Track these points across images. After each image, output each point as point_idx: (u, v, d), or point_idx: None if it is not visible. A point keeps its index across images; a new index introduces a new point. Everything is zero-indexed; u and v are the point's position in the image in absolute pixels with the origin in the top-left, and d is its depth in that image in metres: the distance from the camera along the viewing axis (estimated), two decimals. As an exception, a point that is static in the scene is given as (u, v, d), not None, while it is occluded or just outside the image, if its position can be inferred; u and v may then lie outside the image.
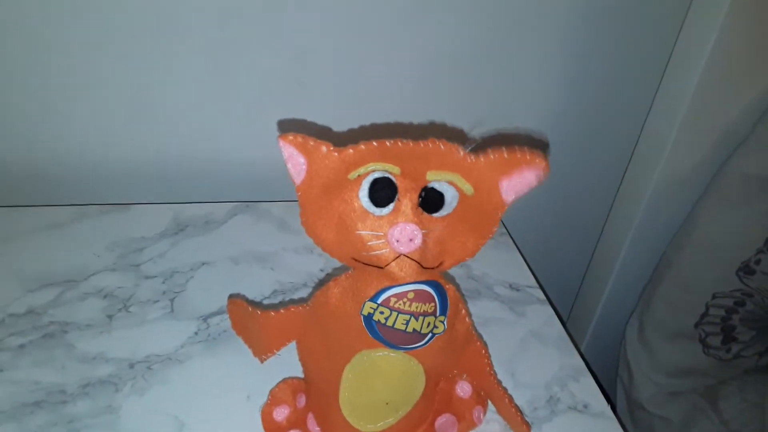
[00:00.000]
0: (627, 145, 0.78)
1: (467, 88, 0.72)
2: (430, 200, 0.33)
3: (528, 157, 0.32)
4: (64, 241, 0.62)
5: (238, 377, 0.49)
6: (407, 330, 0.35)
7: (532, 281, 0.63)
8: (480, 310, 0.59)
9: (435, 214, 0.34)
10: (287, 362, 0.45)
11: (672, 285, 0.74)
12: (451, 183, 0.33)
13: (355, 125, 0.70)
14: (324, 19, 0.63)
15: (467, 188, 0.33)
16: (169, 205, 0.69)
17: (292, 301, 0.58)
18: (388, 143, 0.32)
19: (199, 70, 0.64)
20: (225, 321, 0.54)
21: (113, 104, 0.65)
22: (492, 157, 0.32)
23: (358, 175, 0.33)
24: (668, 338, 0.76)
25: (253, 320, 0.45)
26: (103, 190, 0.71)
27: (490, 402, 0.47)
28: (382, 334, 0.36)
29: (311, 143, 0.32)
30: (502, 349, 0.54)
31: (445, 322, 0.37)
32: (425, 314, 0.35)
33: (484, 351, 0.44)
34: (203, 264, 0.61)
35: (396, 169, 0.33)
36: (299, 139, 0.32)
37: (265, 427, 0.44)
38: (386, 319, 0.35)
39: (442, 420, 0.45)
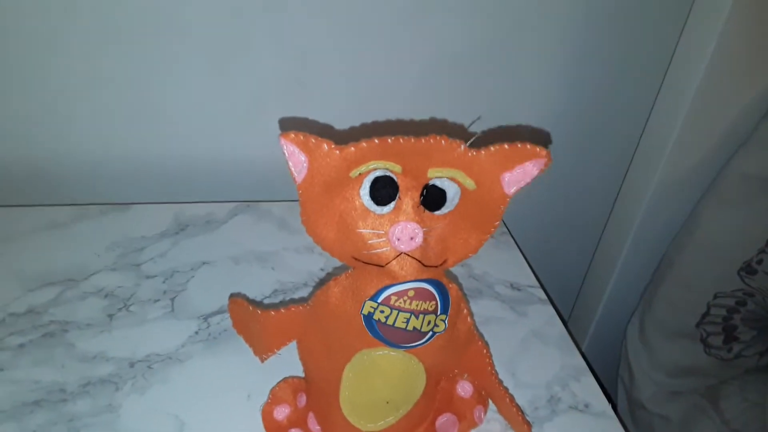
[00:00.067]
0: (628, 144, 0.78)
1: (468, 87, 0.71)
2: (432, 198, 0.33)
3: (530, 149, 0.32)
4: (64, 240, 0.62)
5: (239, 376, 0.49)
6: (407, 328, 0.35)
7: (533, 281, 0.63)
8: (481, 309, 0.59)
9: (437, 212, 0.34)
10: (288, 361, 0.45)
11: (673, 285, 0.74)
12: (452, 179, 0.33)
13: (357, 123, 0.70)
14: (325, 18, 0.63)
15: (469, 183, 0.33)
16: (169, 205, 0.69)
17: (293, 301, 0.58)
18: (389, 140, 0.32)
19: (200, 69, 0.64)
20: (225, 320, 0.54)
21: (114, 104, 0.65)
22: (493, 150, 0.32)
23: (360, 174, 0.33)
24: (669, 338, 0.76)
25: (253, 319, 0.45)
26: (104, 189, 0.71)
27: (491, 401, 0.47)
28: (382, 333, 0.36)
29: (312, 141, 0.32)
30: (503, 349, 0.54)
31: (446, 321, 0.37)
32: (426, 312, 0.35)
33: (485, 350, 0.44)
34: (204, 263, 0.61)
35: (397, 167, 0.33)
36: (300, 137, 0.32)
37: (265, 427, 0.44)
38: (386, 317, 0.35)
39: (442, 419, 0.45)
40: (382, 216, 0.33)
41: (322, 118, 0.69)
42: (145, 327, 0.53)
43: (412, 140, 0.32)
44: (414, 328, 0.35)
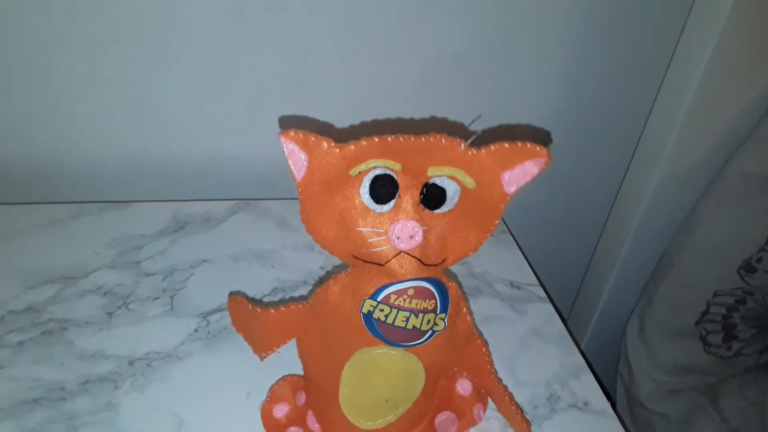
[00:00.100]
0: (628, 144, 0.78)
1: (468, 86, 0.71)
2: (432, 197, 0.33)
3: (530, 148, 0.32)
4: (63, 238, 0.62)
5: (238, 374, 0.49)
6: (407, 327, 0.35)
7: (533, 279, 0.63)
8: (480, 307, 0.59)
9: (437, 210, 0.34)
10: (287, 360, 0.45)
11: (673, 283, 0.74)
12: (452, 178, 0.33)
13: (357, 122, 0.70)
14: (325, 18, 0.63)
15: (469, 182, 0.33)
16: (169, 203, 0.69)
17: (292, 299, 0.58)
18: (389, 139, 0.32)
19: (200, 68, 0.64)
20: (225, 318, 0.54)
21: (113, 102, 0.65)
22: (493, 149, 0.32)
23: (359, 172, 0.33)
24: (669, 336, 0.76)
25: (253, 318, 0.45)
26: (103, 187, 0.71)
27: (490, 399, 0.47)
28: (381, 332, 0.36)
29: (312, 139, 0.32)
30: (502, 347, 0.54)
31: (445, 320, 0.37)
32: (425, 311, 0.35)
33: (484, 349, 0.44)
34: (203, 261, 0.61)
35: (397, 166, 0.33)
36: (300, 135, 0.32)
37: (264, 425, 0.44)
38: (386, 316, 0.35)
39: (442, 417, 0.45)
40: (381, 214, 0.33)
41: (322, 117, 0.69)
42: (144, 325, 0.53)
43: (412, 139, 0.32)
44: (413, 326, 0.35)
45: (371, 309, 0.35)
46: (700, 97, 0.65)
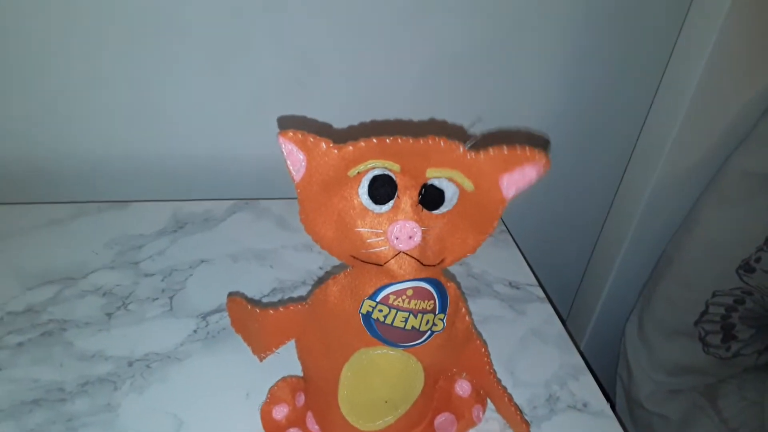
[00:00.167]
0: (627, 143, 0.78)
1: (467, 87, 0.71)
2: (430, 197, 0.33)
3: (528, 153, 0.32)
4: (63, 238, 0.62)
5: (238, 375, 0.49)
6: (406, 327, 0.35)
7: (532, 279, 0.63)
8: (479, 308, 0.59)
9: (435, 211, 0.34)
10: (286, 361, 0.45)
11: (672, 283, 0.74)
12: (451, 180, 0.33)
13: (356, 123, 0.70)
14: (325, 18, 0.63)
15: (467, 185, 0.33)
16: (168, 203, 0.69)
17: (291, 299, 0.58)
18: (387, 140, 0.32)
19: (199, 68, 0.64)
20: (224, 319, 0.54)
21: (112, 102, 0.65)
22: (492, 153, 0.32)
23: (358, 173, 0.33)
24: (668, 336, 0.76)
25: (252, 318, 0.45)
26: (102, 187, 0.71)
27: (489, 400, 0.47)
28: (380, 332, 0.36)
29: (311, 140, 0.32)
30: (501, 348, 0.54)
31: (444, 320, 0.37)
32: (424, 311, 0.35)
33: (483, 349, 0.44)
34: (202, 262, 0.61)
35: (396, 166, 0.33)
36: (299, 135, 0.32)
37: (264, 426, 0.44)
38: (385, 317, 0.35)
39: (441, 419, 0.45)
40: (380, 215, 0.33)
41: (321, 117, 0.69)
42: (143, 326, 0.53)
43: (411, 141, 0.32)
44: (412, 327, 0.35)
45: (370, 309, 0.35)
46: (699, 96, 0.65)
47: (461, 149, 0.32)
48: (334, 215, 0.34)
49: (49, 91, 0.63)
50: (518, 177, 0.33)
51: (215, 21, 0.61)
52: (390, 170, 0.33)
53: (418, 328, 0.36)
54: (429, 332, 0.37)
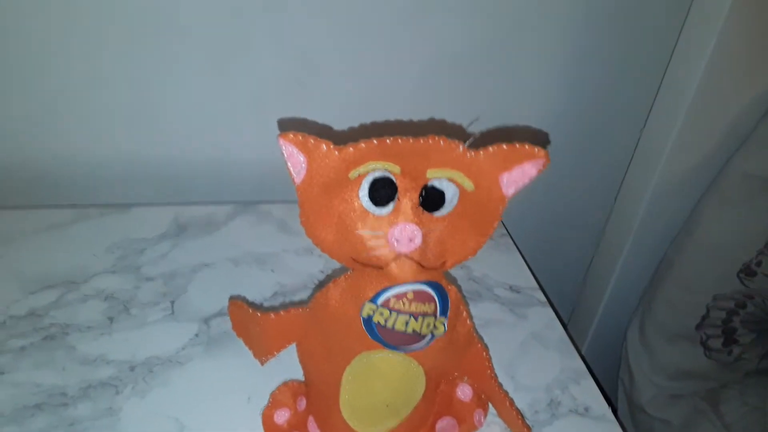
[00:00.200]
0: (628, 145, 0.78)
1: (468, 88, 0.72)
2: (431, 199, 0.33)
3: (528, 150, 0.32)
4: (64, 242, 0.62)
5: (239, 379, 0.49)
6: (407, 331, 0.35)
7: (533, 283, 0.63)
8: (480, 311, 0.59)
9: (436, 213, 0.34)
10: (288, 365, 0.45)
11: (673, 286, 0.74)
12: (451, 180, 0.33)
13: (356, 124, 0.70)
14: (325, 19, 0.63)
15: (468, 184, 0.33)
16: (169, 207, 0.69)
17: (293, 303, 0.58)
18: (388, 141, 0.32)
19: (199, 70, 0.64)
20: (225, 323, 0.54)
21: (114, 105, 0.65)
22: (492, 151, 0.32)
23: (358, 175, 0.33)
24: (669, 340, 0.76)
25: (253, 322, 0.45)
26: (104, 191, 0.71)
27: (490, 405, 0.47)
28: (381, 336, 0.36)
29: (311, 142, 0.32)
30: (502, 352, 0.54)
31: (445, 324, 0.37)
32: (425, 315, 0.35)
33: (484, 353, 0.44)
34: (204, 265, 0.61)
35: (396, 168, 0.33)
36: (299, 137, 0.32)
37: (265, 430, 0.44)
38: (386, 320, 0.35)
39: (442, 423, 0.45)
40: (380, 217, 0.33)
41: (321, 119, 0.69)
42: (145, 329, 0.53)
43: (411, 141, 0.32)
44: (413, 330, 0.35)
45: (371, 313, 0.35)
46: (699, 98, 0.65)
47: (461, 148, 0.32)
48: (335, 218, 0.34)
49: (50, 95, 0.64)
50: (518, 174, 0.33)
51: (215, 23, 0.61)
52: (390, 172, 0.33)
53: (419, 331, 0.36)
54: (430, 336, 0.37)
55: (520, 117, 0.76)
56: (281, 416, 0.44)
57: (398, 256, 0.33)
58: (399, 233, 0.33)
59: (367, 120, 0.71)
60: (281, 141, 0.32)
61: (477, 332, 0.43)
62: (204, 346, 0.52)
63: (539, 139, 0.77)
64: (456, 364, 0.44)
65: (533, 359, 0.54)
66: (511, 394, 0.46)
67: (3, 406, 0.45)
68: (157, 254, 0.62)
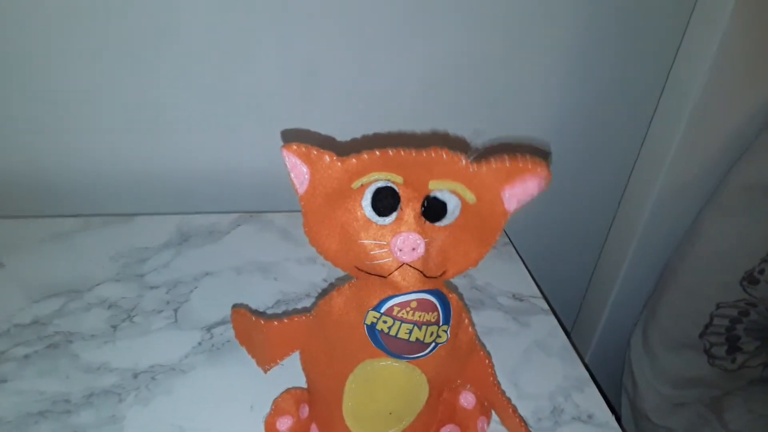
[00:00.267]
0: (630, 154, 0.78)
1: (470, 97, 0.72)
2: (433, 209, 0.33)
3: (530, 166, 0.32)
4: (68, 251, 0.62)
5: (242, 387, 0.49)
6: (410, 339, 0.35)
7: (536, 291, 0.63)
8: (483, 320, 0.59)
9: (438, 223, 0.34)
10: (291, 372, 0.45)
11: (676, 294, 0.74)
12: (453, 192, 0.33)
13: (358, 135, 0.71)
14: (328, 31, 0.63)
15: (470, 197, 0.33)
16: (172, 216, 0.69)
17: (296, 311, 0.58)
18: (390, 152, 0.32)
19: (203, 81, 0.65)
20: (228, 331, 0.54)
21: (118, 116, 0.66)
22: (494, 165, 0.32)
23: (361, 185, 0.33)
24: (673, 348, 0.76)
25: (256, 330, 0.45)
26: (107, 201, 0.72)
27: (494, 412, 0.47)
28: (385, 344, 0.36)
29: (314, 153, 0.33)
30: (505, 360, 0.54)
31: (448, 332, 0.37)
32: (428, 323, 0.35)
33: (487, 361, 0.44)
34: (207, 274, 0.61)
35: (399, 179, 0.33)
36: (302, 148, 0.33)
37: (268, 438, 0.44)
38: (389, 328, 0.35)
39: (445, 431, 0.45)
40: (383, 227, 0.33)
41: (325, 130, 0.70)
42: (148, 338, 0.53)
43: (414, 153, 0.32)
44: (417, 339, 0.36)
45: (374, 321, 0.35)
46: (701, 106, 0.66)
47: (463, 161, 0.32)
48: (338, 227, 0.35)
49: (55, 106, 0.64)
50: (520, 189, 0.33)
51: (219, 35, 0.62)
52: (393, 182, 0.33)
53: (422, 339, 0.36)
54: (433, 344, 0.37)
55: (522, 126, 0.76)
56: (284, 424, 0.44)
57: (401, 265, 0.34)
58: (402, 242, 0.33)
59: (370, 131, 0.71)
60: (284, 152, 0.33)
61: (480, 340, 0.44)
62: (207, 354, 0.52)
63: (541, 155, 0.77)
64: (459, 372, 0.44)
65: (536, 367, 0.54)
66: (514, 402, 0.46)
67: (7, 414, 0.45)
68: (160, 263, 0.62)
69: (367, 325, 0.36)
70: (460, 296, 0.39)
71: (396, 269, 0.34)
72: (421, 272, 0.34)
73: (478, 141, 0.73)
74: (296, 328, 0.42)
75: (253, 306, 0.58)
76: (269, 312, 0.58)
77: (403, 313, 0.35)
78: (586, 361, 0.79)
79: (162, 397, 0.48)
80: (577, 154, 0.80)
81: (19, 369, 0.49)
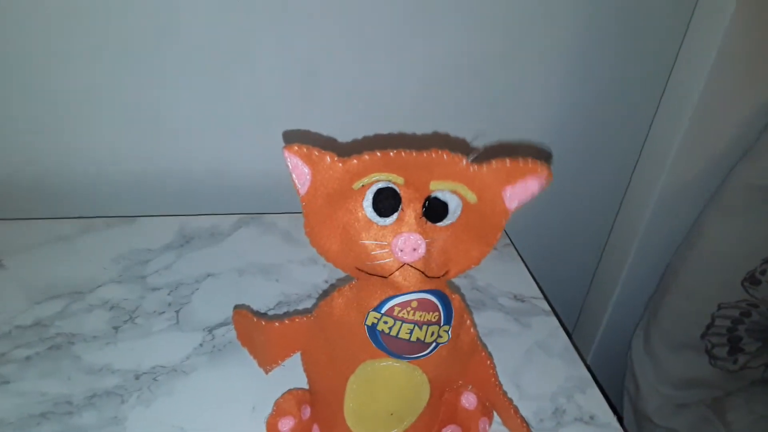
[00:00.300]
0: (631, 154, 0.78)
1: (470, 98, 0.72)
2: (434, 210, 0.33)
3: (531, 165, 0.32)
4: (70, 253, 0.62)
5: (243, 388, 0.49)
6: (411, 339, 0.35)
7: (537, 292, 0.63)
8: (485, 321, 0.59)
9: (439, 224, 0.34)
10: (292, 373, 0.45)
11: (678, 295, 0.74)
12: (454, 192, 0.33)
13: (360, 136, 0.71)
14: (328, 31, 0.63)
15: (471, 197, 0.34)
16: (174, 218, 0.69)
17: (297, 312, 0.58)
18: (391, 153, 0.32)
19: (204, 83, 0.65)
20: (230, 332, 0.54)
21: (119, 117, 0.66)
22: (495, 165, 0.33)
23: (362, 185, 0.33)
24: (674, 349, 0.76)
25: (258, 331, 0.45)
26: (109, 202, 0.72)
27: (495, 413, 0.47)
28: (386, 344, 0.36)
29: (316, 153, 0.33)
30: (507, 360, 0.54)
31: (449, 332, 0.37)
32: (429, 323, 0.35)
33: (489, 361, 0.44)
34: (208, 276, 0.61)
35: (400, 179, 0.33)
36: (304, 149, 0.33)
37: (270, 439, 0.44)
38: (390, 328, 0.35)
39: (447, 431, 0.45)
40: (384, 227, 0.34)
41: (326, 131, 0.70)
42: (150, 339, 0.54)
43: (415, 154, 0.32)
44: (417, 339, 0.36)
45: (375, 321, 0.35)
46: (702, 107, 0.66)
47: (464, 162, 0.32)
48: (339, 228, 0.35)
49: (54, 106, 0.64)
50: (520, 189, 0.33)
51: (220, 36, 0.62)
52: (394, 183, 0.33)
53: (423, 339, 0.36)
54: (434, 344, 0.37)
55: (523, 128, 0.76)
56: (285, 424, 0.44)
57: (402, 266, 0.34)
58: (403, 243, 0.33)
59: (371, 132, 0.71)
60: (286, 153, 0.33)
61: (481, 341, 0.44)
62: (208, 355, 0.52)
63: (542, 156, 0.77)
64: (460, 372, 0.44)
65: (538, 368, 0.54)
66: (516, 403, 0.46)
67: (9, 415, 0.45)
68: (162, 264, 0.62)
69: (367, 325, 0.36)
70: (462, 297, 0.39)
71: (397, 269, 0.34)
72: (423, 272, 0.34)
73: (478, 142, 0.73)
74: (297, 329, 0.42)
75: (255, 307, 0.58)
76: (270, 313, 0.58)
77: (403, 313, 0.35)
78: (588, 362, 0.79)
79: (164, 398, 0.48)
80: (579, 154, 0.80)
81: (21, 370, 0.49)
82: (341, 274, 0.36)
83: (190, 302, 0.58)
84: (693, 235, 0.72)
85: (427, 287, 0.35)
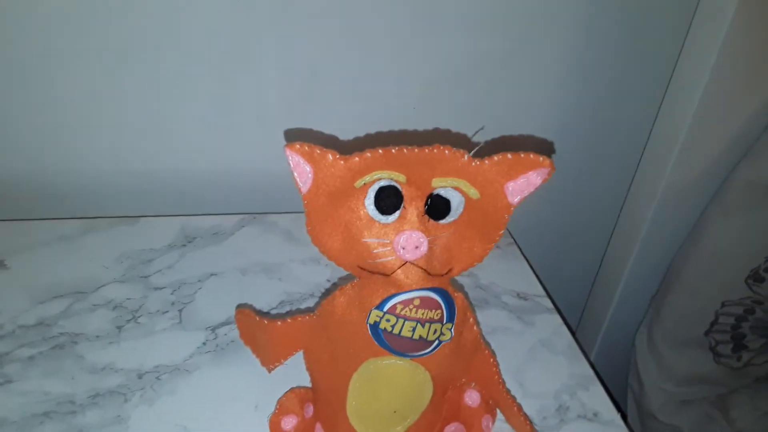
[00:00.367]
0: (633, 154, 0.78)
1: (473, 97, 0.72)
2: (436, 207, 0.33)
3: (532, 159, 0.32)
4: (73, 253, 0.63)
5: (246, 387, 0.49)
6: (414, 337, 0.35)
7: (540, 290, 0.63)
8: (488, 319, 0.59)
9: (441, 221, 0.34)
10: (295, 372, 0.45)
11: (681, 293, 0.74)
12: (456, 188, 0.33)
13: (361, 134, 0.71)
14: (329, 31, 0.63)
15: (473, 193, 0.33)
16: (177, 218, 0.69)
17: (299, 311, 0.58)
18: (393, 150, 0.32)
19: (206, 83, 0.65)
20: (233, 331, 0.54)
21: (121, 118, 0.66)
22: (496, 160, 0.32)
23: (364, 184, 0.33)
24: (678, 347, 0.76)
25: (260, 330, 0.45)
26: (112, 202, 0.72)
27: (499, 411, 0.47)
28: (388, 342, 0.36)
29: (317, 152, 0.33)
30: (510, 358, 0.54)
31: (452, 330, 0.37)
32: (431, 321, 0.35)
33: (492, 359, 0.44)
34: (211, 275, 0.61)
35: (402, 177, 0.33)
36: (305, 147, 0.33)
37: (273, 437, 0.44)
38: (392, 326, 0.35)
39: (450, 429, 0.45)
40: (386, 225, 0.34)
41: (327, 129, 0.70)
42: (153, 338, 0.54)
43: (416, 150, 0.32)
44: (420, 336, 0.35)
45: (378, 319, 0.35)
46: (705, 106, 0.65)
47: (466, 157, 0.32)
48: (341, 226, 0.35)
49: (59, 109, 0.64)
50: (523, 182, 0.33)
51: (221, 36, 0.62)
52: (396, 181, 0.33)
53: (425, 337, 0.36)
54: (437, 342, 0.37)
55: (525, 126, 0.76)
56: (288, 423, 0.44)
57: (404, 264, 0.34)
58: (405, 241, 0.33)
59: (373, 130, 0.71)
60: (287, 151, 0.33)
61: (485, 339, 0.44)
62: (211, 354, 0.53)
63: (544, 148, 0.77)
64: (463, 370, 0.44)
65: (541, 366, 0.54)
66: (519, 401, 0.46)
67: (12, 414, 0.45)
68: (165, 264, 0.62)
69: (370, 324, 0.36)
70: (466, 295, 0.39)
71: (399, 267, 0.34)
72: (425, 270, 0.34)
73: (480, 138, 0.73)
74: (300, 328, 0.42)
75: (258, 306, 0.58)
76: (273, 312, 0.58)
77: (406, 311, 0.35)
78: (591, 359, 0.78)
79: (167, 397, 0.48)
80: (581, 153, 0.80)
81: (24, 370, 0.49)
82: (343, 272, 0.36)
83: (192, 301, 0.58)
84: (696, 233, 0.72)
85: (430, 285, 0.35)
